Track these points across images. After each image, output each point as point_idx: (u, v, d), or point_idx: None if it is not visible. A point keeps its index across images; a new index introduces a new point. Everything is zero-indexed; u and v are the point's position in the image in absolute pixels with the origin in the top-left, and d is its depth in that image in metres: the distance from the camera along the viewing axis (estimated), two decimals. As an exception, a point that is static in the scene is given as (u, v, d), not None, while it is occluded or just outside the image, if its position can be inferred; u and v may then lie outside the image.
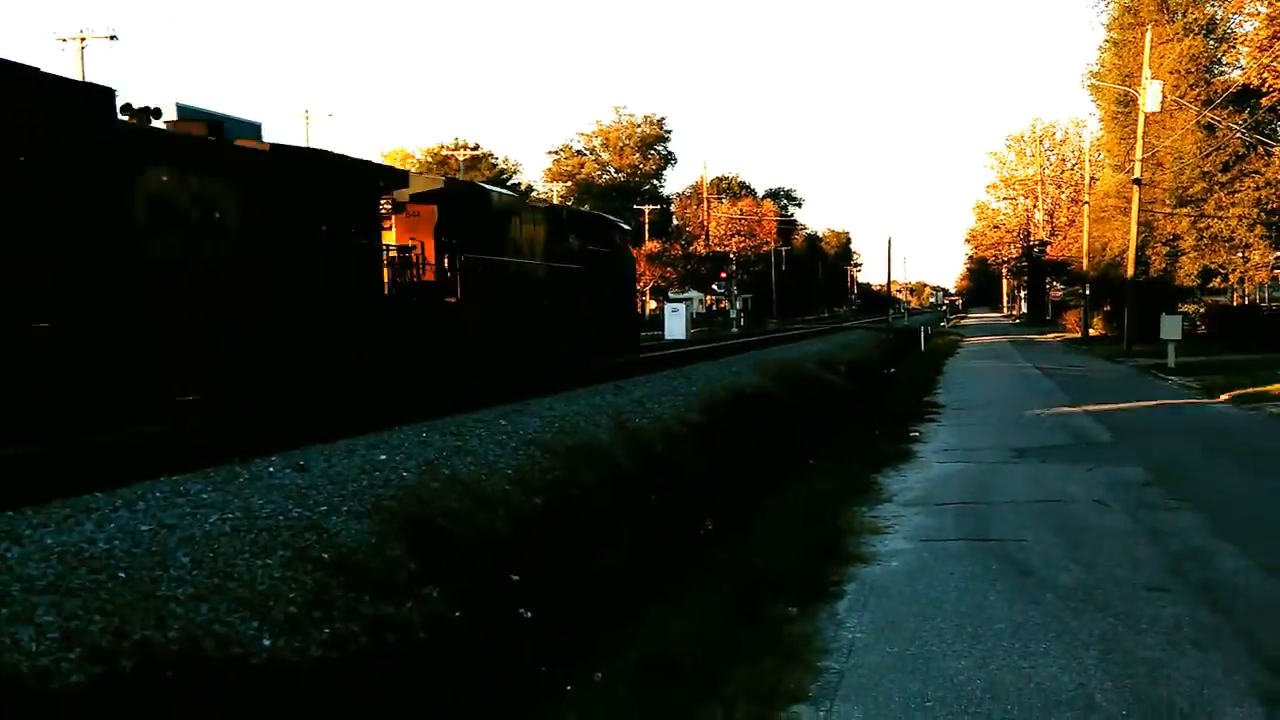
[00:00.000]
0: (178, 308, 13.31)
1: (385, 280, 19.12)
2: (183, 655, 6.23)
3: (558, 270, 27.00)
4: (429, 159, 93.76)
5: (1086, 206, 66.11)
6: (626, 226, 36.60)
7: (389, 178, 20.26)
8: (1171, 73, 45.43)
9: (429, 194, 21.81)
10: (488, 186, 26.23)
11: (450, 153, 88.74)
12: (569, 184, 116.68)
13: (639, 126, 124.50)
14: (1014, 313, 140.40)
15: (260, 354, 14.89)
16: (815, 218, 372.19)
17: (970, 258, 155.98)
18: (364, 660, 7.32)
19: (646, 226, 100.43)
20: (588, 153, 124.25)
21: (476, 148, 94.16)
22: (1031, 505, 12.32)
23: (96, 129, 12.36)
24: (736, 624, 8.19)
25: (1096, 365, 38.32)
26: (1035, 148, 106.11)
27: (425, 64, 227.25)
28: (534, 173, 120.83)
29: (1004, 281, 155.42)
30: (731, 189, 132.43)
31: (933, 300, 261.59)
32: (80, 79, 12.24)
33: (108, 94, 12.68)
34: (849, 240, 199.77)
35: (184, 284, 13.52)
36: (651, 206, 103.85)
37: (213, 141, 15.22)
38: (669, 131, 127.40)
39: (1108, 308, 61.33)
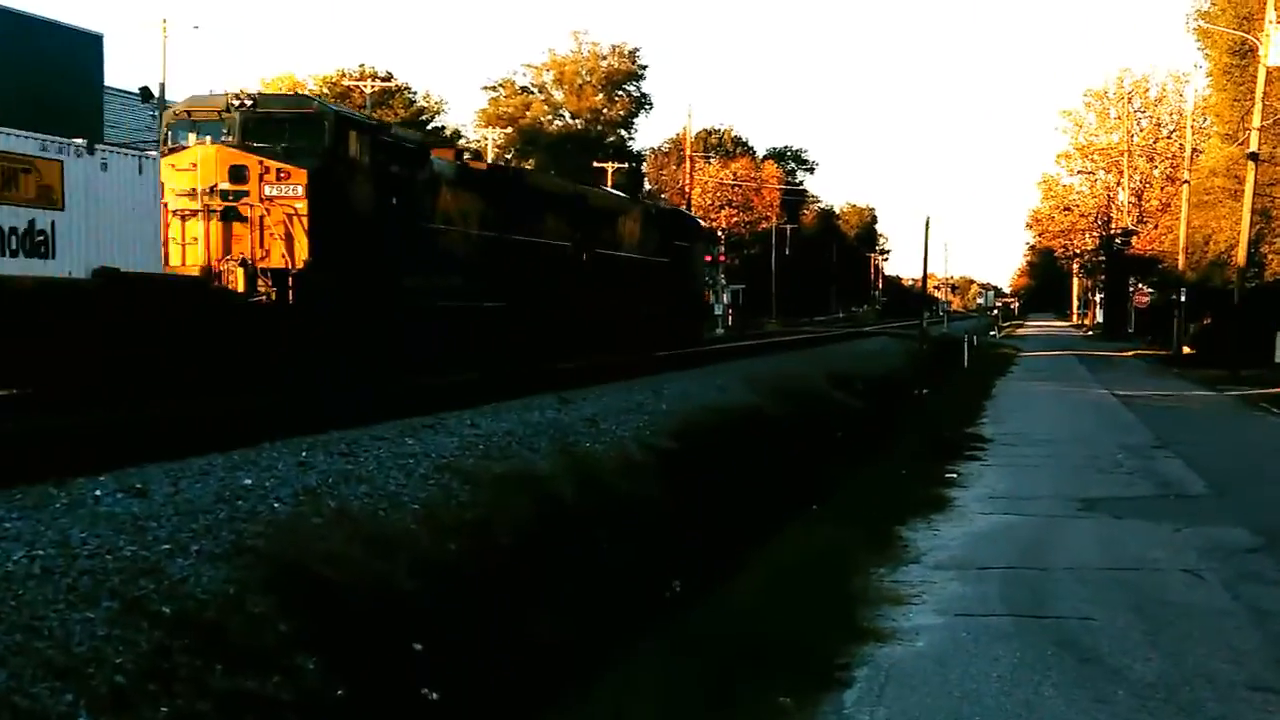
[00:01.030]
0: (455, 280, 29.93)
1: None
2: (-30, 735, 6.16)
3: (649, 264, 44.27)
4: (324, 88, 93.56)
5: (1186, 187, 66.75)
6: (702, 222, 60.28)
7: (556, 188, 39.65)
8: (1304, 15, 45.88)
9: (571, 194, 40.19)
10: (612, 192, 48.50)
11: (354, 83, 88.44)
12: (509, 130, 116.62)
13: (604, 59, 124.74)
14: (1086, 322, 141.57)
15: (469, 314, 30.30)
16: (831, 189, 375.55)
17: (1032, 248, 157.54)
18: (213, 749, 7.27)
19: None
20: (536, 90, 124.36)
21: (389, 78, 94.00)
22: (1101, 573, 12.39)
23: (427, 167, 29.66)
24: (711, 716, 8.19)
25: (1191, 393, 38.68)
26: (1122, 108, 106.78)
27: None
28: (464, 113, 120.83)
29: (1074, 281, 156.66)
30: (723, 146, 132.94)
31: (980, 302, 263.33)
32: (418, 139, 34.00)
33: (426, 148, 31.04)
34: (874, 219, 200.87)
35: (459, 266, 30.26)
36: (617, 165, 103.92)
37: (460, 165, 32.60)
38: (643, 67, 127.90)
39: (1208, 321, 61.88)
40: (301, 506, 10.83)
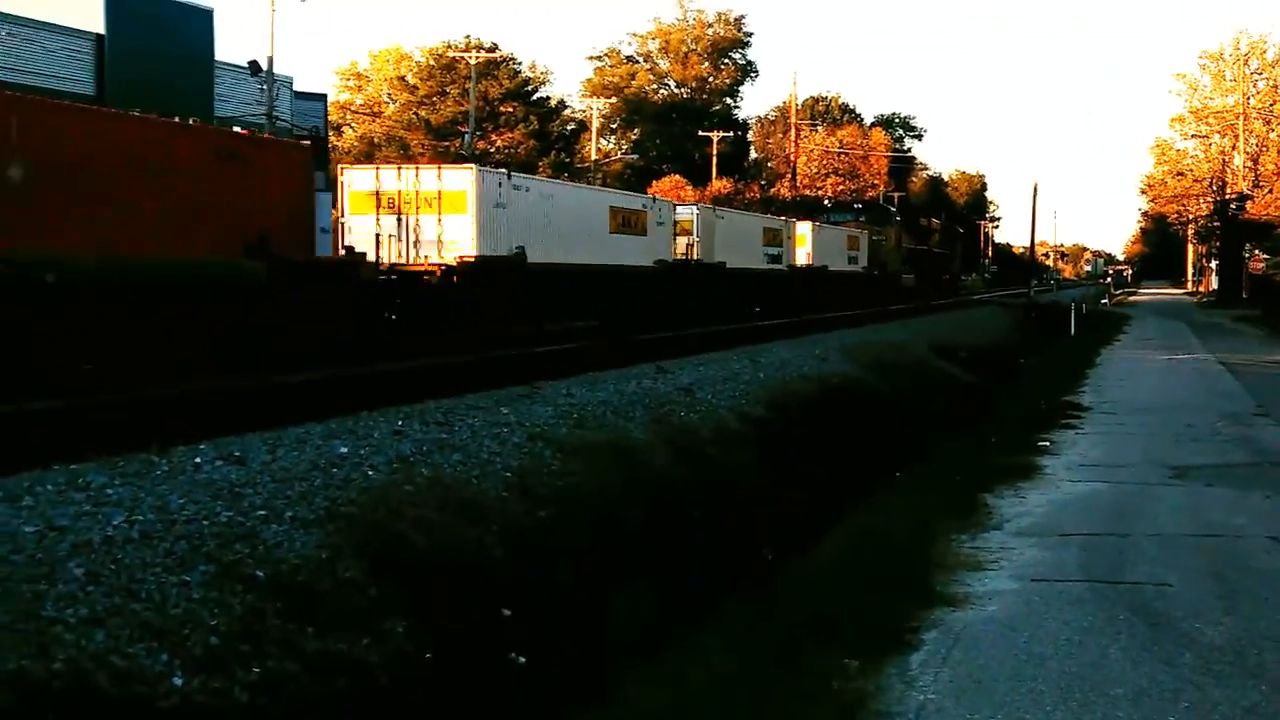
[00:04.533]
0: (908, 267, 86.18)
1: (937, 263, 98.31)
2: (70, 692, 6.43)
3: (942, 254, 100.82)
4: (430, 61, 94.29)
5: (1302, 149, 65.37)
6: (960, 230, 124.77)
7: (923, 220, 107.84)
8: None
9: (927, 226, 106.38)
10: (934, 219, 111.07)
11: (459, 54, 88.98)
12: (614, 99, 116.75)
13: (710, 27, 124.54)
14: (1201, 289, 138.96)
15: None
16: (940, 156, 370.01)
17: (1145, 215, 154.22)
18: (304, 709, 7.50)
19: (715, 160, 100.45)
20: (641, 60, 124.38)
21: (494, 48, 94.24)
22: (1184, 540, 12.40)
23: (898, 222, 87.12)
24: (775, 676, 8.39)
25: (1303, 362, 38.02)
26: (1238, 70, 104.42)
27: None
28: (569, 83, 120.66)
29: (1189, 248, 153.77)
30: (830, 114, 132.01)
31: (1090, 269, 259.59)
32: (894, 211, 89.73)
33: (896, 214, 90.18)
34: (984, 186, 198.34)
35: (906, 261, 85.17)
36: (723, 134, 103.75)
37: (898, 213, 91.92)
38: (749, 35, 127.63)
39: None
40: (395, 474, 11.09)
